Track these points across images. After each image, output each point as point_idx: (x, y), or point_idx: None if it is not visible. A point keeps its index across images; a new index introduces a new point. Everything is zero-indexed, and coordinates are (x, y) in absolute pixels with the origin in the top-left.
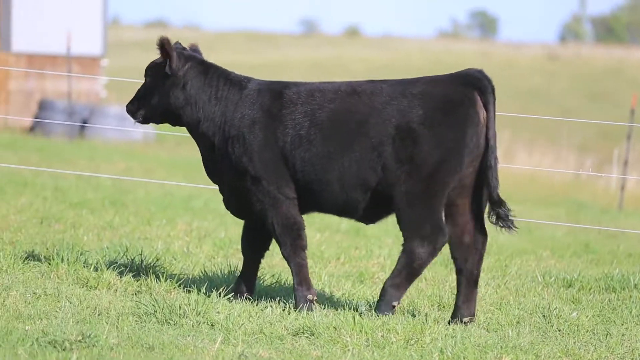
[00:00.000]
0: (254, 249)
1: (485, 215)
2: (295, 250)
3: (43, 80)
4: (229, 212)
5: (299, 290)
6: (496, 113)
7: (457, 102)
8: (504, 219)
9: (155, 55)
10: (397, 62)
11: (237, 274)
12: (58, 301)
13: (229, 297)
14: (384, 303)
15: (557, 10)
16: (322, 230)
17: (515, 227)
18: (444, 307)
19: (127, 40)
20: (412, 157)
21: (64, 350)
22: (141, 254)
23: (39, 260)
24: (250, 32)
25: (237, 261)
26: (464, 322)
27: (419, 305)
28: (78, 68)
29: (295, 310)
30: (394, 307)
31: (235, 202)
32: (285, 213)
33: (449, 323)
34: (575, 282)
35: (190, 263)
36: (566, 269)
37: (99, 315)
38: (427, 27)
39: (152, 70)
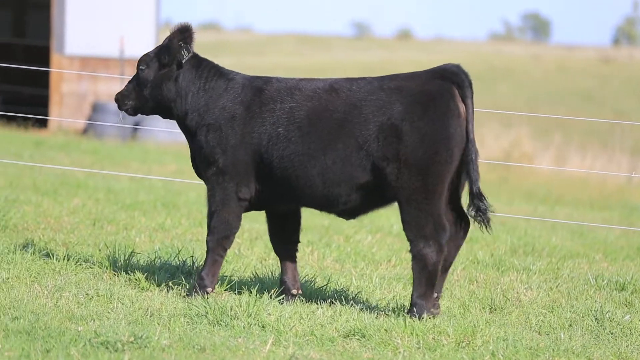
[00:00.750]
0: (284, 245)
1: (465, 208)
2: (218, 246)
3: (96, 82)
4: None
5: (203, 280)
6: (544, 115)
7: (436, 95)
8: (483, 213)
9: (207, 56)
10: None
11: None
12: (110, 302)
13: (280, 299)
14: (417, 317)
15: (610, 12)
16: (373, 232)
17: (490, 225)
18: (495, 309)
19: None
20: (397, 154)
21: (116, 351)
22: (192, 256)
23: (92, 261)
24: (301, 35)
25: None
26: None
27: (471, 307)
28: (131, 70)
29: (188, 294)
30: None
31: None
32: (229, 212)
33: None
34: (628, 285)
35: (242, 265)
36: (619, 272)
37: (150, 316)
38: (479, 29)
39: (146, 62)
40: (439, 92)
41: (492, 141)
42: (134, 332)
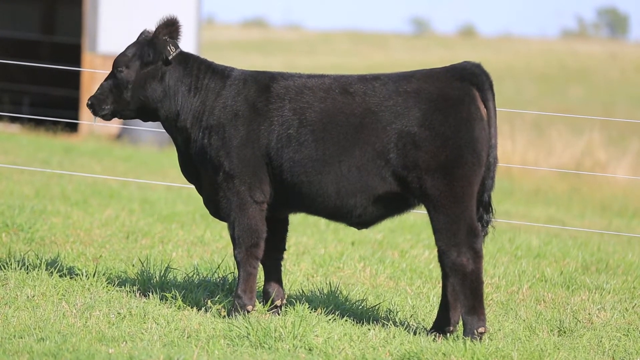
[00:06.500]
0: (270, 253)
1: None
2: (248, 257)
3: None
4: (214, 216)
5: (240, 298)
6: (619, 119)
7: (457, 100)
8: (484, 225)
9: (254, 55)
10: (517, 65)
11: (334, 291)
12: (144, 322)
13: (271, 311)
14: (470, 333)
15: None
16: (431, 247)
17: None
18: (564, 332)
19: (223, 41)
20: (417, 161)
21: None
22: (234, 272)
23: (124, 278)
24: (355, 32)
25: (337, 280)
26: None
27: (537, 329)
28: None
29: (227, 316)
30: (482, 333)
31: (215, 201)
32: (249, 217)
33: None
34: None
35: (287, 282)
36: None
37: (187, 337)
38: (550, 26)
39: (125, 62)
40: (459, 97)
41: (561, 148)
42: (169, 354)
